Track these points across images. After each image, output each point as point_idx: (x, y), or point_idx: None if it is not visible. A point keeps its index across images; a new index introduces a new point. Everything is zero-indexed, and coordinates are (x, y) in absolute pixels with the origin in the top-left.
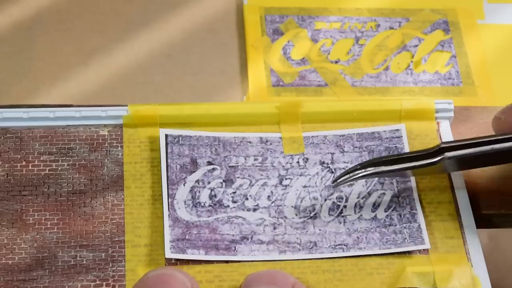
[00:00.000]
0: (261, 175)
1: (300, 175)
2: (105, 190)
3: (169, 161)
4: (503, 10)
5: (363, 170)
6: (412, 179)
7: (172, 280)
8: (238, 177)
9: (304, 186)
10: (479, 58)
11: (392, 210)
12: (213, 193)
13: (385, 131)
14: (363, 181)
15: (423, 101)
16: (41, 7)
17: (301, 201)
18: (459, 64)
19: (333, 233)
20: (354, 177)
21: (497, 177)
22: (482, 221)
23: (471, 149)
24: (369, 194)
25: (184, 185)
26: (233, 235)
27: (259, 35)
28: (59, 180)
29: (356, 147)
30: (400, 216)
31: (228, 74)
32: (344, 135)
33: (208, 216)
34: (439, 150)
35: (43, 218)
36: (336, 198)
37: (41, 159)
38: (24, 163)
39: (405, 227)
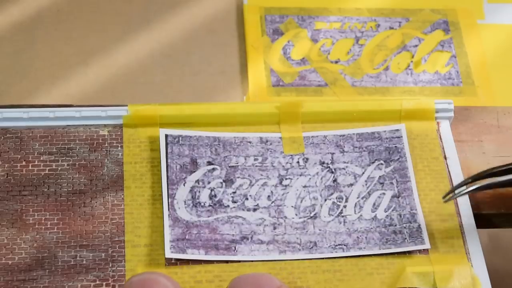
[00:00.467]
0: (261, 175)
1: (300, 175)
2: (105, 190)
3: (169, 161)
4: (503, 10)
5: (477, 182)
6: (412, 179)
7: (155, 285)
8: (238, 177)
9: (304, 186)
10: (479, 58)
11: (392, 210)
12: (213, 193)
13: (385, 131)
14: (363, 181)
15: (423, 101)
16: (41, 7)
17: (301, 201)
18: (459, 64)
19: (333, 233)
20: (466, 191)
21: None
22: (482, 221)
23: None
24: (369, 194)
25: (184, 185)
26: (233, 235)
27: (259, 35)
28: (59, 180)
29: (356, 147)
30: (400, 216)
31: (228, 74)
32: (344, 135)
33: (208, 216)
34: None
35: (43, 218)
36: (336, 198)
37: (41, 159)
38: (24, 163)
39: (405, 227)
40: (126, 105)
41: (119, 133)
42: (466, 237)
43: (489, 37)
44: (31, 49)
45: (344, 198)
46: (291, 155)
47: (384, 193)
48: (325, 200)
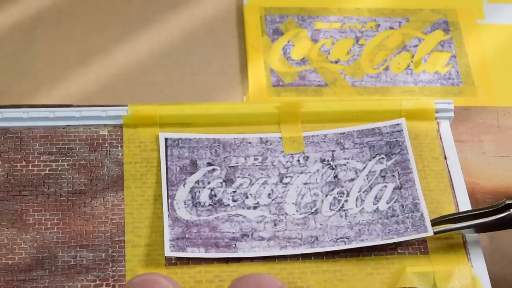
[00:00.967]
0: (261, 174)
1: (301, 173)
2: (105, 190)
3: (169, 163)
4: (503, 10)
5: (434, 226)
6: (414, 171)
7: (156, 286)
8: (238, 177)
9: (305, 183)
10: (479, 58)
11: (394, 202)
12: (213, 192)
13: (385, 126)
14: (364, 175)
15: (423, 101)
16: (41, 7)
17: (302, 198)
18: (459, 64)
19: (334, 227)
20: (422, 235)
21: (497, 177)
22: None
23: None
24: (371, 187)
25: (184, 186)
26: (233, 232)
27: (259, 35)
28: (59, 180)
29: (357, 143)
30: (403, 207)
31: (228, 74)
32: (344, 133)
33: (208, 215)
34: (505, 206)
35: (43, 218)
36: (337, 193)
37: (41, 159)
38: (24, 163)
39: (407, 217)
40: (126, 105)
41: (119, 133)
42: (466, 237)
43: (489, 37)
44: (31, 49)
45: (345, 192)
46: (291, 154)
47: (386, 186)
48: (326, 195)
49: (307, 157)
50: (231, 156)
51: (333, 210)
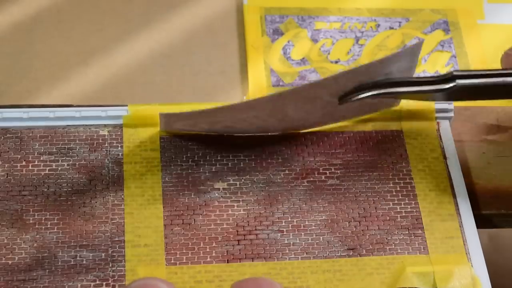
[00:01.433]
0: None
1: None
2: (105, 190)
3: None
4: (503, 10)
5: (372, 89)
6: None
7: None
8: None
9: None
10: (479, 58)
11: None
12: None
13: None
14: None
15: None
16: (41, 7)
17: None
18: (459, 64)
19: None
20: (362, 96)
21: (497, 177)
22: (482, 221)
23: (483, 79)
24: None
25: None
26: None
27: (259, 35)
28: (59, 180)
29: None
30: None
31: (228, 74)
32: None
33: None
34: (452, 77)
35: (43, 218)
36: None
37: (41, 159)
38: (24, 163)
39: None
40: (126, 105)
41: (119, 133)
42: (466, 237)
43: (489, 37)
44: (31, 49)
45: None
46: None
47: None
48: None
49: None
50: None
51: None
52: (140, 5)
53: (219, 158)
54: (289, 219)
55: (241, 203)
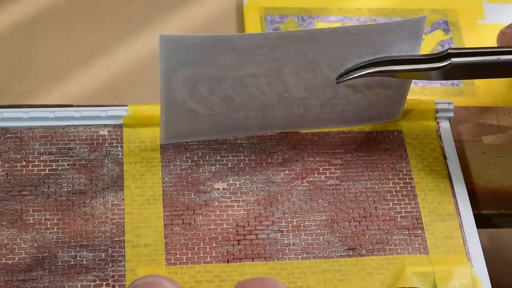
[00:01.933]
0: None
1: None
2: (105, 190)
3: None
4: (503, 10)
5: (368, 68)
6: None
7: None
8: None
9: None
10: None
11: None
12: None
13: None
14: None
15: (423, 101)
16: (41, 7)
17: None
18: None
19: None
20: (359, 74)
21: (497, 177)
22: (482, 221)
23: (478, 57)
24: None
25: None
26: None
27: None
28: (59, 180)
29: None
30: None
31: None
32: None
33: None
34: (447, 55)
35: (43, 218)
36: None
37: (41, 159)
38: (24, 163)
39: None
40: (126, 105)
41: (119, 133)
42: (466, 237)
43: (489, 37)
44: (31, 49)
45: None
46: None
47: None
48: None
49: None
50: None
51: None
52: (140, 5)
53: (219, 158)
54: (289, 219)
55: (241, 203)
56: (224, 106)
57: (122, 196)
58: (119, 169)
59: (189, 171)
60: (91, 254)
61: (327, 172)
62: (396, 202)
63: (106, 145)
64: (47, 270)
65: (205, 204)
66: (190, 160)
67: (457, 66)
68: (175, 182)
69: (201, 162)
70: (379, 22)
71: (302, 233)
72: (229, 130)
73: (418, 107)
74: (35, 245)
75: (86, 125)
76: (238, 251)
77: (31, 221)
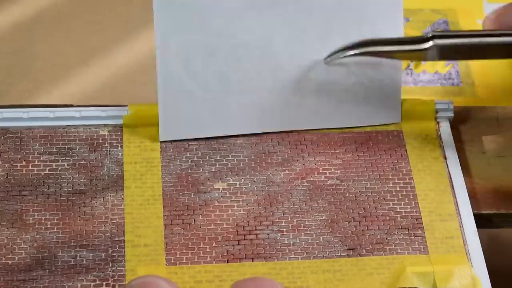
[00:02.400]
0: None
1: None
2: (105, 190)
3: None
4: None
5: (354, 49)
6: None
7: None
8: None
9: None
10: None
11: None
12: None
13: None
14: None
15: (423, 101)
16: (41, 7)
17: None
18: (459, 64)
19: None
20: (344, 56)
21: (497, 177)
22: (482, 221)
23: (460, 39)
24: None
25: None
26: None
27: None
28: (59, 180)
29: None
30: None
31: None
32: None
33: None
34: (431, 37)
35: (43, 218)
36: None
37: (41, 159)
38: (24, 163)
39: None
40: (126, 105)
41: (119, 133)
42: (466, 237)
43: None
44: (31, 49)
45: None
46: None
47: None
48: None
49: None
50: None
51: None
52: (140, 5)
53: (219, 158)
54: (289, 219)
55: (241, 203)
56: (220, 86)
57: (122, 196)
58: (119, 169)
59: (189, 171)
60: (91, 254)
61: (327, 172)
62: (396, 202)
63: (106, 145)
64: (47, 270)
65: (205, 204)
66: (190, 160)
67: (441, 48)
68: (175, 182)
69: (201, 162)
70: None
71: (302, 233)
72: (228, 122)
73: (418, 107)
74: (35, 245)
75: (86, 125)
76: (238, 251)
77: (31, 221)
